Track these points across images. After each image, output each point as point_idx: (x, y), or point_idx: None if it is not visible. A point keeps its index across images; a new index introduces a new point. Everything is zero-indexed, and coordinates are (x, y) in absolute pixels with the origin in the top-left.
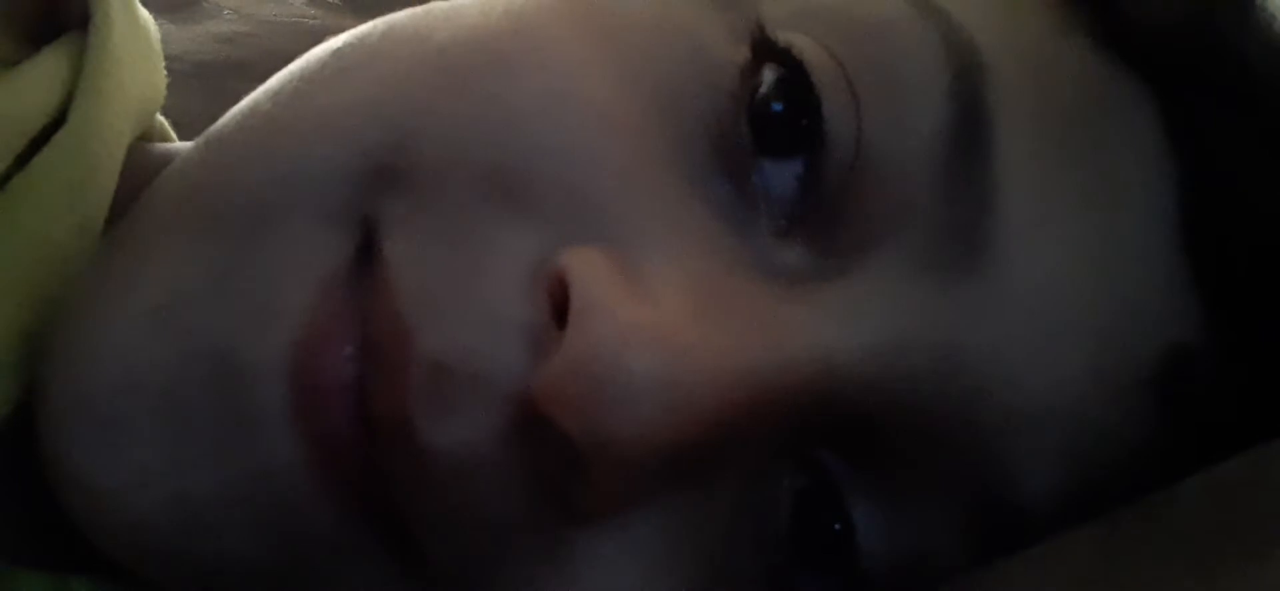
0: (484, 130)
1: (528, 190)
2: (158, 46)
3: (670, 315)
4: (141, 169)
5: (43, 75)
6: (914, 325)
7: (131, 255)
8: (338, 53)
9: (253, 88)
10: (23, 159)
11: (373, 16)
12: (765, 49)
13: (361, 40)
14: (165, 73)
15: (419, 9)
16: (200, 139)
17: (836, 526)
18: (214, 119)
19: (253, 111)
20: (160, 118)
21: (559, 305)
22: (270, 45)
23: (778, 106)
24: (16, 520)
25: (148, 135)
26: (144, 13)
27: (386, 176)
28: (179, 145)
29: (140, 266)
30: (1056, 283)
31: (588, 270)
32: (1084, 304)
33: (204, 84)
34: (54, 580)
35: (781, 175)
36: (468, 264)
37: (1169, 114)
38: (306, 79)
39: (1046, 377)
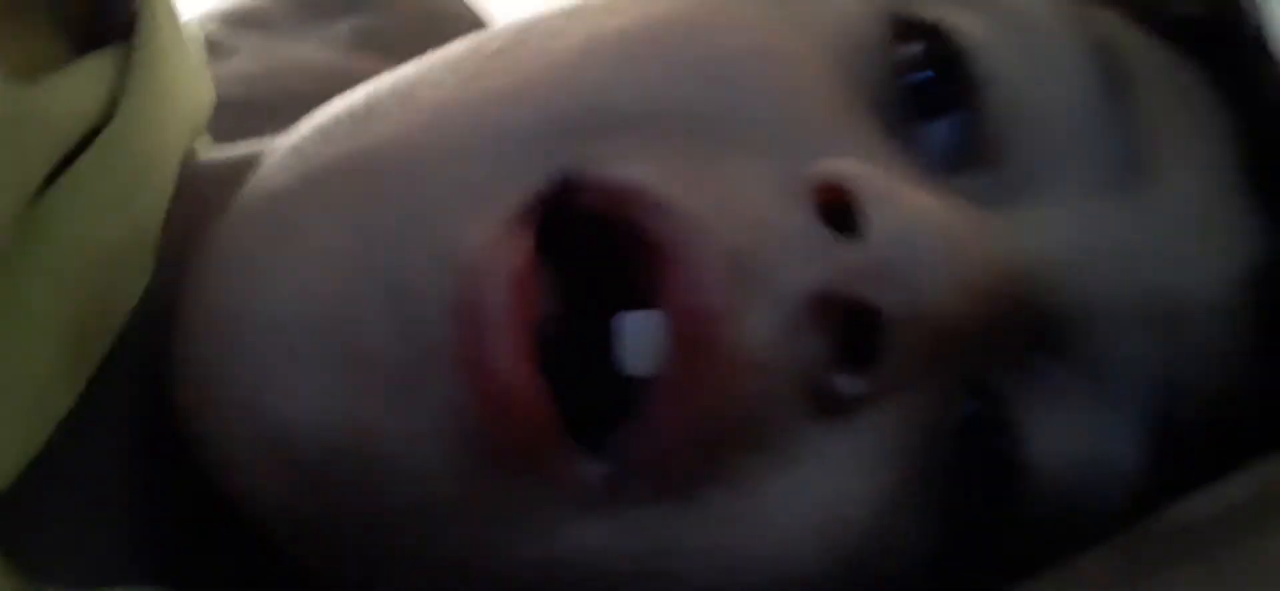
0: (692, 81)
1: (746, 128)
2: (204, 60)
3: (945, 207)
4: (203, 178)
5: (87, 78)
6: (1099, 235)
7: (296, 212)
8: (491, 43)
9: (269, 127)
10: (68, 162)
11: (382, 55)
12: (905, 26)
13: (516, 34)
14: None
15: (557, 9)
16: (338, 112)
17: (1000, 444)
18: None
19: (413, 87)
20: (209, 138)
21: (829, 210)
22: (286, 85)
23: (926, 74)
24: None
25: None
26: (190, 26)
27: (578, 132)
28: (244, 146)
29: (312, 220)
30: (1197, 196)
31: (865, 170)
32: (1211, 216)
33: (222, 122)
34: None
35: (938, 131)
36: (716, 182)
37: (1214, 76)
38: (461, 68)
39: (1201, 273)
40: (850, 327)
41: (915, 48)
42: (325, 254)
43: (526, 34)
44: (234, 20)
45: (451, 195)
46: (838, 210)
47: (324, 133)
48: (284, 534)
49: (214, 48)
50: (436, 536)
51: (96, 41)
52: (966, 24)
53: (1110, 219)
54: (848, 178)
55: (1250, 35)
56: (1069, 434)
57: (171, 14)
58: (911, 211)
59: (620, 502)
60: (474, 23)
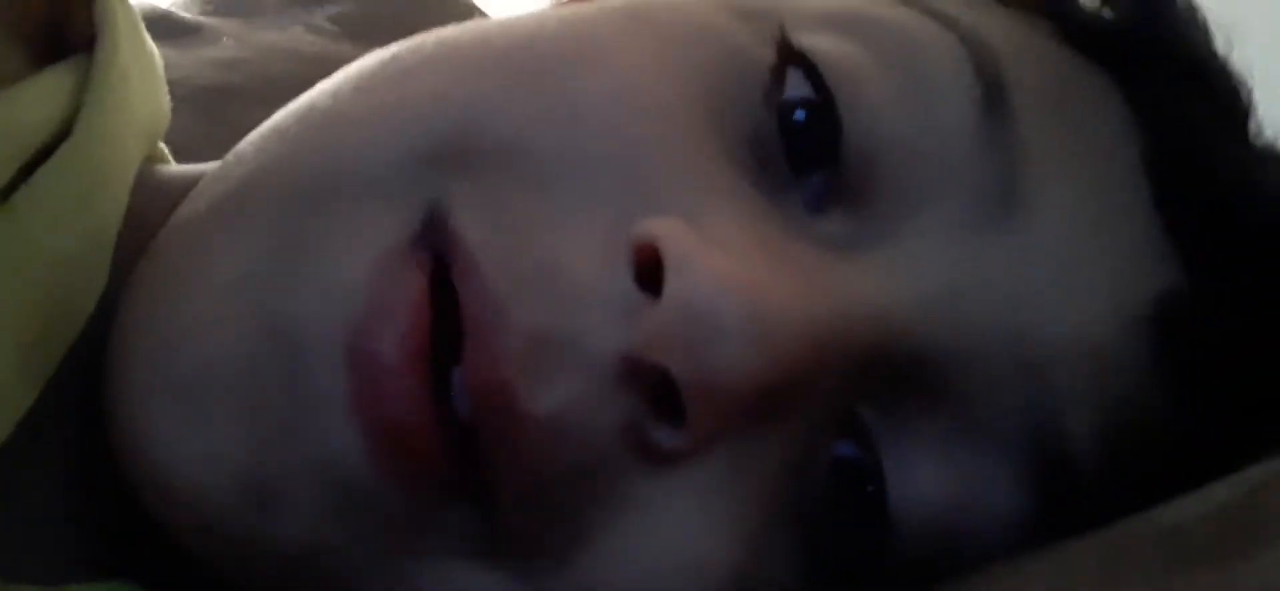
0: (550, 121)
1: (592, 175)
2: (161, 71)
3: (753, 267)
4: (153, 191)
5: (47, 90)
6: (964, 275)
7: (200, 239)
8: (395, 57)
9: (251, 113)
10: (28, 171)
11: (370, 42)
12: (787, 51)
13: (417, 47)
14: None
15: (467, 23)
16: (253, 135)
17: (870, 488)
18: (213, 143)
19: (311, 107)
20: (161, 144)
21: (644, 270)
22: (267, 71)
23: (800, 115)
24: (47, 527)
25: (152, 159)
26: (149, 38)
27: (449, 161)
28: (188, 167)
29: (210, 248)
30: (1076, 229)
31: (673, 230)
32: (1098, 248)
33: (203, 109)
34: (112, 587)
35: (813, 174)
36: (545, 240)
37: (1128, 93)
38: (365, 78)
39: (1075, 313)
40: (664, 384)
41: (796, 83)
42: (220, 291)
43: (421, 45)
44: (217, 6)
45: (339, 229)
46: (652, 271)
47: (238, 154)
48: (201, 560)
49: (196, 32)
50: (327, 579)
51: (56, 52)
52: (840, 54)
53: (976, 257)
54: (657, 238)
55: (1165, 50)
56: (937, 480)
57: (133, 26)
58: (704, 274)
59: (497, 554)
60: (468, 8)
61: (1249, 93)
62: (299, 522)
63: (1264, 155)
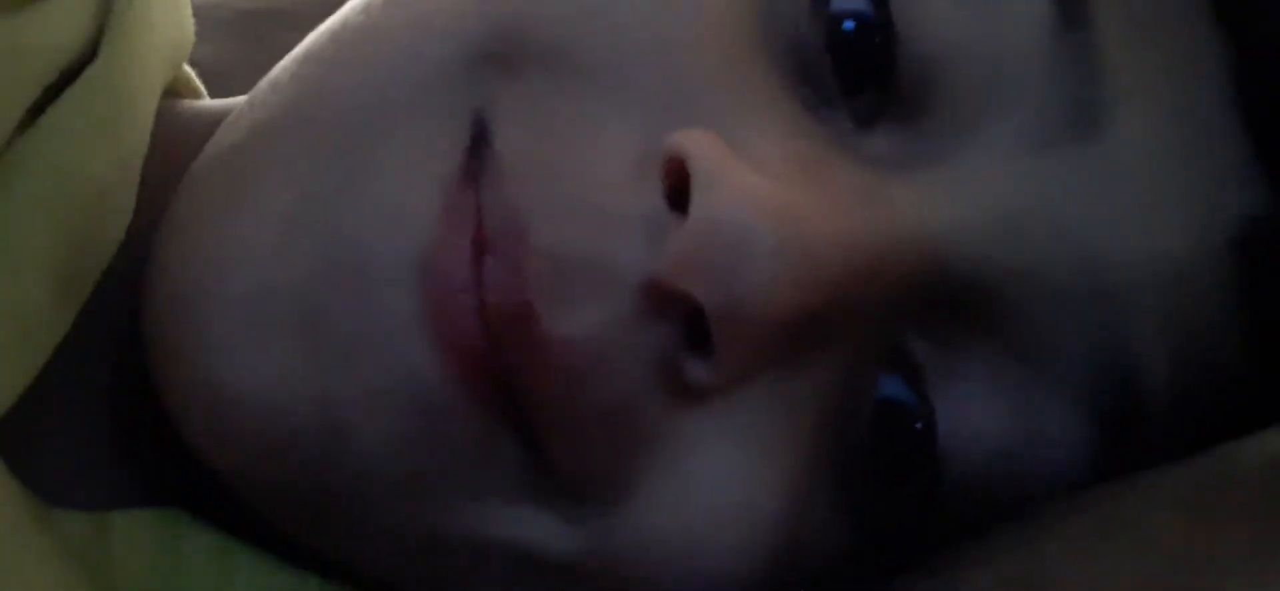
0: (587, 24)
1: (629, 80)
2: None
3: (787, 185)
4: (183, 125)
5: (71, 9)
6: (1030, 196)
7: (245, 169)
8: None
9: (295, 37)
10: (54, 93)
11: None
12: None
13: None
14: (194, 20)
15: None
16: (287, 61)
17: (919, 425)
18: (255, 69)
19: (344, 26)
20: (188, 68)
21: (673, 186)
22: None
23: (849, 26)
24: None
25: (175, 85)
26: None
27: (493, 65)
28: (215, 102)
29: (259, 175)
30: (1160, 151)
31: (703, 143)
32: (1183, 171)
33: (244, 33)
34: (159, 513)
35: (865, 84)
36: (577, 155)
37: (1216, 7)
38: None
39: (1157, 241)
40: (695, 313)
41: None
42: (274, 217)
43: None
44: None
45: (393, 149)
46: (681, 188)
47: (273, 81)
48: (244, 495)
49: None
50: (383, 508)
51: None
52: None
53: (1045, 177)
54: (686, 152)
55: None
56: (993, 418)
57: None
58: (731, 192)
59: (548, 496)
60: None
61: None
62: (369, 446)
63: None
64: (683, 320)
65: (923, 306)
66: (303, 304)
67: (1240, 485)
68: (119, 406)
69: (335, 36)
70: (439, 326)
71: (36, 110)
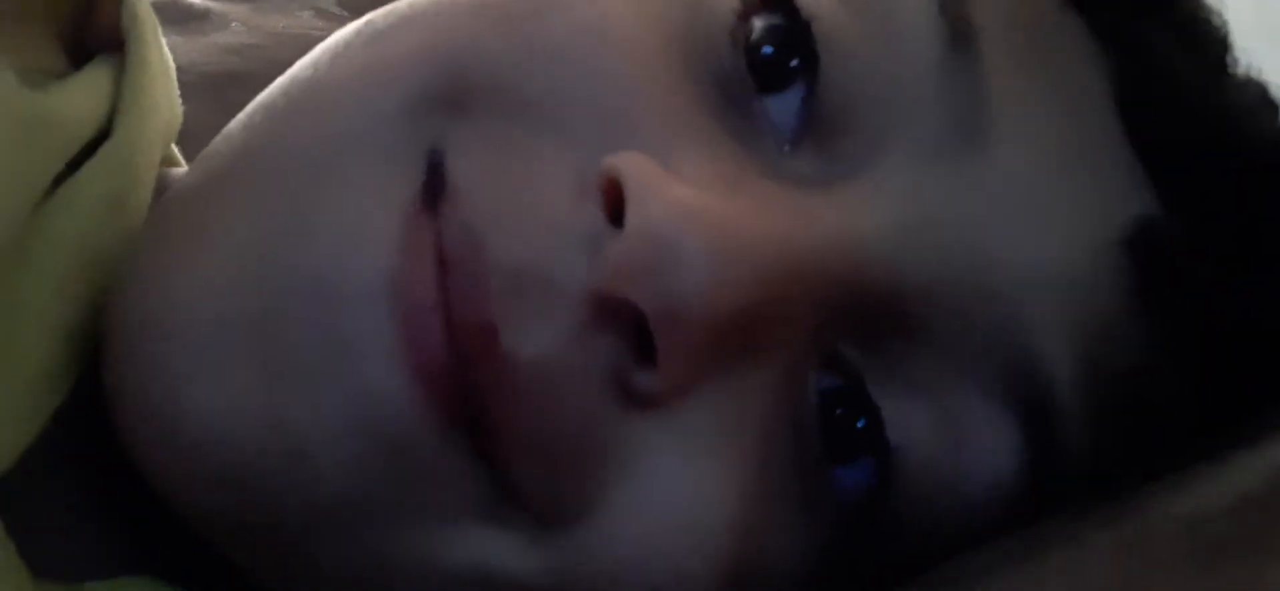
0: (526, 62)
1: (567, 113)
2: (174, 73)
3: (714, 196)
4: (163, 193)
5: (89, 86)
6: (930, 205)
7: (199, 210)
8: (370, 21)
9: (252, 97)
10: (71, 165)
11: None
12: None
13: (391, 11)
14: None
15: None
16: (241, 115)
17: (861, 422)
18: (217, 129)
19: (293, 80)
20: (173, 146)
21: (612, 204)
22: (277, 56)
23: (768, 50)
24: (75, 526)
25: (166, 161)
26: (163, 40)
27: (440, 106)
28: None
29: (213, 216)
30: (1043, 161)
31: (635, 163)
32: (1066, 178)
33: (208, 94)
34: (131, 583)
35: (782, 105)
36: (524, 180)
37: (1092, 24)
38: (340, 46)
39: (1043, 241)
40: (639, 323)
41: (769, 20)
42: (231, 249)
43: (394, 9)
44: None
45: (351, 184)
46: (618, 205)
47: (227, 133)
48: (207, 535)
49: (205, 17)
50: (344, 535)
51: (84, 50)
52: None
53: (940, 188)
54: (620, 172)
55: None
56: (924, 418)
57: (155, 27)
58: (661, 203)
59: (511, 517)
60: None
61: (1223, 22)
62: (326, 470)
63: (1240, 82)
64: (629, 331)
65: (851, 313)
66: (259, 332)
67: (1167, 538)
68: (99, 471)
69: (285, 90)
70: (412, 347)
71: (55, 180)
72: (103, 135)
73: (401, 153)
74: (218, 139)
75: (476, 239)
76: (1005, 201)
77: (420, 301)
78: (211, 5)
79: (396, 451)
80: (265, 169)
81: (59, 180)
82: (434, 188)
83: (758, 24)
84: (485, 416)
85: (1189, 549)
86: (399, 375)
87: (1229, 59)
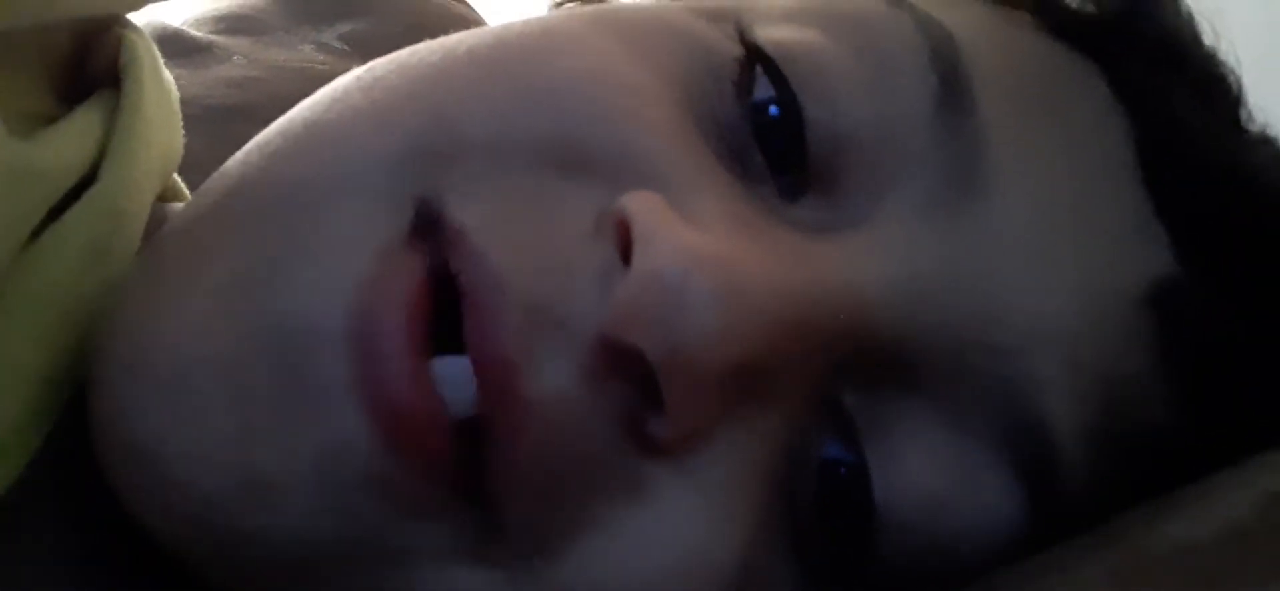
0: (529, 108)
1: (577, 155)
2: (177, 106)
3: (723, 240)
4: (160, 226)
5: (78, 132)
6: (930, 259)
7: (187, 249)
8: (370, 68)
9: (256, 130)
10: (55, 212)
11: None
12: (750, 47)
13: (391, 59)
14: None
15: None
16: (239, 153)
17: (850, 475)
18: (219, 161)
19: (291, 121)
20: (176, 177)
21: (624, 245)
22: (277, 90)
23: (774, 111)
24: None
25: (164, 191)
26: (167, 75)
27: (435, 159)
28: None
29: (198, 256)
30: (1045, 213)
31: (645, 204)
32: (1070, 232)
33: (210, 127)
34: None
35: (782, 156)
36: (537, 221)
37: (1112, 81)
38: (341, 92)
39: (1048, 296)
40: (647, 371)
41: (765, 83)
42: (213, 290)
43: (397, 56)
44: (227, 24)
45: (330, 228)
46: (629, 245)
47: (223, 170)
48: (191, 567)
49: (207, 50)
50: (322, 579)
51: (77, 86)
52: (801, 43)
53: (939, 241)
54: (630, 213)
55: (1149, 38)
56: (922, 470)
57: (155, 63)
58: (668, 246)
59: (493, 552)
60: (474, 23)
61: (1238, 80)
62: (296, 515)
63: (1255, 140)
64: (639, 378)
65: (854, 363)
66: (231, 373)
67: (1159, 563)
68: (80, 510)
69: (283, 130)
70: (369, 391)
71: (38, 228)
72: (91, 176)
73: (388, 199)
74: (213, 176)
75: (494, 274)
76: (1007, 255)
77: (383, 346)
78: (214, 39)
79: (364, 494)
80: (252, 210)
81: (42, 223)
82: (421, 232)
83: (759, 83)
84: (492, 453)
85: (1181, 579)
86: (361, 420)
87: (1244, 114)
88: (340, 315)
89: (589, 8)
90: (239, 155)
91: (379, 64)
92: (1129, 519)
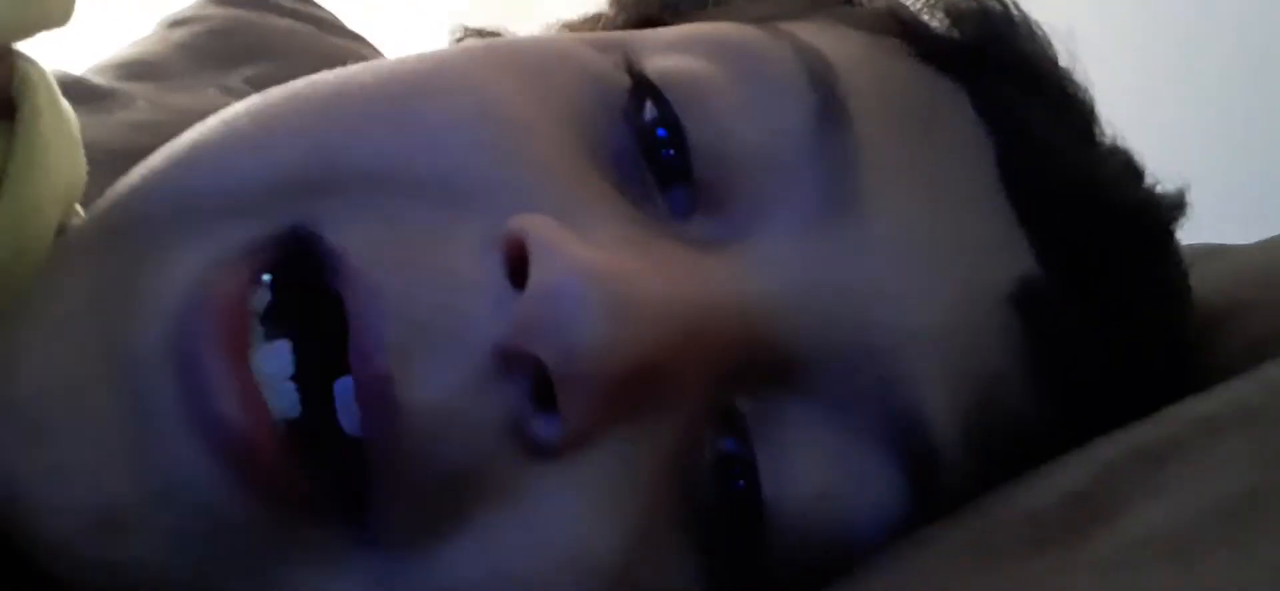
0: (414, 143)
1: (463, 189)
2: (78, 135)
3: (616, 254)
4: None
5: None
6: (812, 269)
7: (47, 276)
8: (265, 95)
9: None
10: None
11: None
12: (637, 76)
13: (286, 87)
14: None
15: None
16: (124, 177)
17: (742, 482)
18: None
19: (178, 142)
20: (78, 208)
21: (514, 265)
22: (174, 134)
23: (662, 132)
24: None
25: (65, 223)
26: (66, 104)
27: (311, 187)
28: None
29: (54, 282)
30: (917, 224)
31: (540, 223)
32: (941, 241)
33: (112, 169)
34: None
35: (671, 177)
36: (420, 244)
37: (975, 101)
38: (231, 115)
39: (922, 302)
40: (541, 375)
41: (651, 108)
42: (52, 321)
43: (290, 85)
44: (129, 71)
45: (186, 247)
46: (522, 265)
47: (110, 190)
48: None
49: (110, 96)
50: None
51: None
52: (686, 69)
53: (820, 254)
54: (524, 232)
55: (1008, 61)
56: (811, 469)
57: (51, 93)
58: (565, 261)
59: (365, 558)
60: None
61: (1090, 97)
62: (149, 546)
63: (1106, 153)
64: (529, 382)
65: (745, 369)
66: (78, 402)
67: (1008, 527)
68: None
69: (168, 152)
70: (195, 410)
71: None
72: None
73: (255, 221)
74: (101, 197)
75: (373, 290)
76: (883, 264)
77: (201, 358)
78: (117, 85)
79: (211, 525)
80: (109, 234)
81: None
82: (285, 253)
83: (648, 110)
84: (373, 458)
85: (1027, 536)
86: (194, 441)
87: (1096, 129)
88: (165, 334)
89: (483, 42)
90: (122, 180)
91: (274, 91)
92: (991, 495)
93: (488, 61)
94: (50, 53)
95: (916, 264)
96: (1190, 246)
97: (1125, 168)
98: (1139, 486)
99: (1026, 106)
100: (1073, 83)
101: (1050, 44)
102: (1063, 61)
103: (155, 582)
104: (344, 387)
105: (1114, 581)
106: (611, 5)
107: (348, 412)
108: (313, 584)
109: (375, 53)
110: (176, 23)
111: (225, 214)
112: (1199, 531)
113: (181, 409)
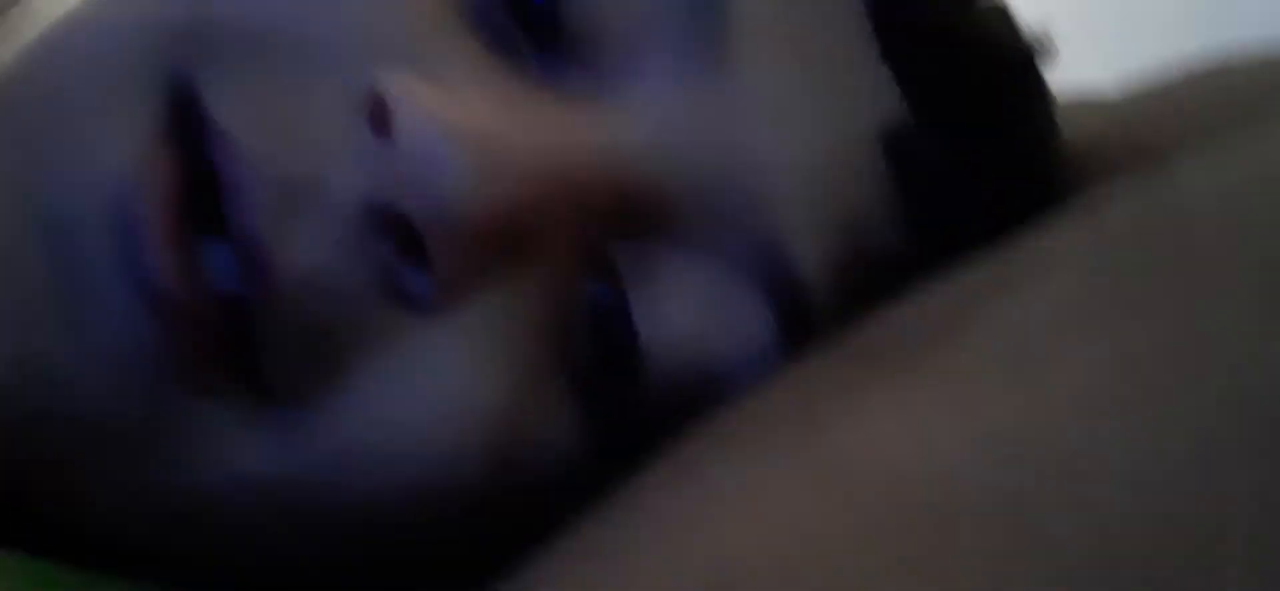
0: (271, 4)
1: (326, 41)
2: None
3: (479, 107)
4: None
5: None
6: (682, 117)
7: None
8: None
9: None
10: None
11: None
12: None
13: None
14: None
15: None
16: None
17: (619, 321)
18: None
19: (53, 22)
20: None
21: (377, 120)
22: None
23: None
24: None
25: None
26: None
27: (189, 46)
28: None
29: None
30: (785, 69)
31: (401, 79)
32: (811, 85)
33: None
34: None
35: (542, 27)
36: (290, 107)
37: None
38: None
39: (791, 148)
40: (411, 230)
41: None
42: None
43: None
44: None
45: (86, 117)
46: (386, 120)
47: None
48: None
49: None
50: (121, 464)
51: None
52: None
53: (690, 105)
54: (386, 88)
55: None
56: (684, 311)
57: None
58: (427, 114)
59: (265, 419)
60: None
61: None
62: (81, 396)
63: (983, 6)
64: (401, 238)
65: (619, 219)
66: (7, 268)
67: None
68: None
69: (41, 33)
70: (138, 274)
71: None
72: None
73: (147, 83)
74: None
75: (247, 159)
76: (753, 114)
77: (145, 235)
78: None
79: (141, 377)
80: (20, 100)
81: None
82: (181, 119)
83: None
84: (243, 332)
85: (878, 352)
86: (133, 301)
87: None
88: (103, 207)
89: None
90: (18, 47)
91: None
92: (851, 327)
93: None
94: None
95: (785, 110)
96: (1062, 92)
97: (999, 18)
98: (987, 303)
99: None
100: None
101: None
102: None
103: (73, 440)
104: (213, 252)
105: (952, 390)
106: None
107: (222, 276)
108: (226, 437)
109: None
110: None
111: (118, 80)
112: (1035, 344)
113: (123, 272)
